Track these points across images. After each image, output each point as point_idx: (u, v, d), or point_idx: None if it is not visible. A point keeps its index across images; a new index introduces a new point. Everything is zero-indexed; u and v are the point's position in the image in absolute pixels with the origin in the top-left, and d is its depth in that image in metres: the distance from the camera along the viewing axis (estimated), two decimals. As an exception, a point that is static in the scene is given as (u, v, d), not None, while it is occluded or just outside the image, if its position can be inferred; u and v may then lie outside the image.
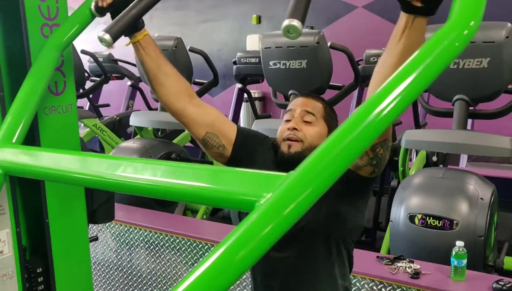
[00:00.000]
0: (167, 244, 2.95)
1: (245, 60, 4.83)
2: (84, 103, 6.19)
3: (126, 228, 3.10)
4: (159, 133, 5.09)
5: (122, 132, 5.52)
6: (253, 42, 7.49)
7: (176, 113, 1.54)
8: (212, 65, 4.22)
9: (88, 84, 5.64)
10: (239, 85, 4.90)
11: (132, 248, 3.10)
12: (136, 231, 3.07)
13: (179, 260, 2.91)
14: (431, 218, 2.61)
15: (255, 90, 7.50)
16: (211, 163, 4.57)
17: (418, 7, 1.05)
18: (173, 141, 4.55)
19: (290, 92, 3.53)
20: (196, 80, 4.45)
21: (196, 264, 2.83)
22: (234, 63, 4.93)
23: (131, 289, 3.16)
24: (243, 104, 6.00)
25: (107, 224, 3.13)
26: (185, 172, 0.89)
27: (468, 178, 2.72)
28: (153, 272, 3.03)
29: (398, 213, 2.75)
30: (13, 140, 1.21)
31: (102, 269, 3.27)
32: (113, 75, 6.12)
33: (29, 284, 1.54)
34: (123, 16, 1.34)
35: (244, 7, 8.01)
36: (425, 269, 2.32)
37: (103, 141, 5.12)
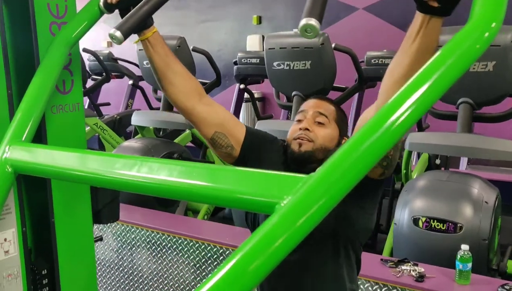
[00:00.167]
0: (169, 244, 2.93)
1: (246, 61, 4.82)
2: (84, 101, 6.16)
3: (127, 228, 3.09)
4: (160, 132, 5.07)
5: (122, 132, 5.50)
6: (253, 43, 7.49)
7: (185, 111, 1.52)
8: (215, 65, 4.21)
9: (89, 83, 5.62)
10: (241, 86, 4.88)
11: (133, 248, 3.09)
12: (137, 231, 3.05)
13: (181, 260, 2.90)
14: (435, 221, 2.60)
15: (254, 91, 7.48)
16: (213, 163, 4.56)
17: (434, 7, 1.03)
18: (174, 141, 4.53)
19: (293, 93, 3.52)
20: (198, 80, 4.43)
21: (197, 264, 2.82)
22: (235, 63, 4.92)
23: (132, 289, 3.14)
24: (243, 105, 5.99)
25: (108, 224, 3.12)
26: (201, 173, 0.88)
27: (472, 181, 2.71)
28: (154, 272, 3.01)
29: (402, 215, 2.74)
30: (23, 139, 1.20)
31: (103, 268, 3.25)
32: (112, 74, 6.10)
33: (34, 286, 1.52)
34: (134, 13, 1.32)
35: (244, 8, 7.99)
36: (429, 272, 2.31)
37: (103, 140, 5.10)
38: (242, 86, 4.79)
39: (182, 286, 2.91)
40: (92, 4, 1.41)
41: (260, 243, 0.71)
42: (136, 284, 3.11)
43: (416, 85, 0.79)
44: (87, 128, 5.02)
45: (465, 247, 2.23)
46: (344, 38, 5.08)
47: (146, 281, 3.06)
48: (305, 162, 1.50)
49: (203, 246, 2.81)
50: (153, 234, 2.99)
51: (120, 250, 3.14)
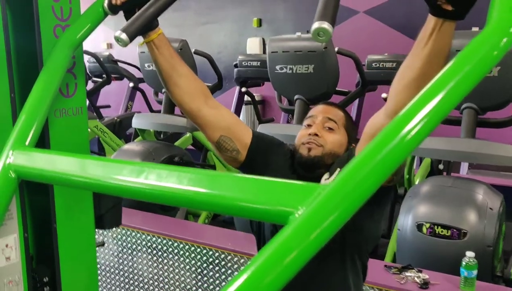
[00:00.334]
0: (170, 249, 2.90)
1: (246, 63, 4.80)
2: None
3: (128, 232, 3.06)
4: (161, 135, 5.05)
5: (122, 134, 5.47)
6: (253, 45, 7.47)
7: (191, 113, 1.50)
8: (217, 68, 4.20)
9: (89, 85, 5.60)
10: (243, 89, 4.85)
11: (134, 252, 3.06)
12: (138, 235, 3.02)
13: (182, 265, 2.87)
14: (439, 227, 2.58)
15: (254, 94, 7.46)
16: (214, 167, 4.54)
17: (447, 11, 1.01)
18: (175, 144, 4.51)
19: (295, 97, 3.50)
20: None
21: (199, 269, 2.79)
22: (235, 66, 4.90)
23: (132, 294, 3.11)
24: (242, 107, 5.97)
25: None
26: (212, 181, 0.85)
27: (477, 187, 2.70)
28: (155, 276, 2.98)
29: (406, 221, 2.72)
30: (26, 143, 1.17)
31: (103, 273, 3.22)
32: (112, 76, 6.07)
33: (35, 293, 1.50)
34: (140, 15, 1.30)
35: (244, 10, 7.97)
36: (433, 279, 2.29)
37: (103, 142, 5.07)
38: (244, 89, 4.76)
39: (183, 291, 2.89)
40: (96, 5, 1.38)
41: (275, 255, 0.69)
42: (137, 289, 3.08)
43: (432, 94, 0.76)
44: (87, 130, 4.99)
45: (470, 254, 2.21)
46: (345, 41, 5.06)
47: (147, 286, 3.03)
48: (313, 167, 1.48)
49: (204, 251, 2.79)
50: (154, 238, 2.97)
51: (120, 254, 3.11)
